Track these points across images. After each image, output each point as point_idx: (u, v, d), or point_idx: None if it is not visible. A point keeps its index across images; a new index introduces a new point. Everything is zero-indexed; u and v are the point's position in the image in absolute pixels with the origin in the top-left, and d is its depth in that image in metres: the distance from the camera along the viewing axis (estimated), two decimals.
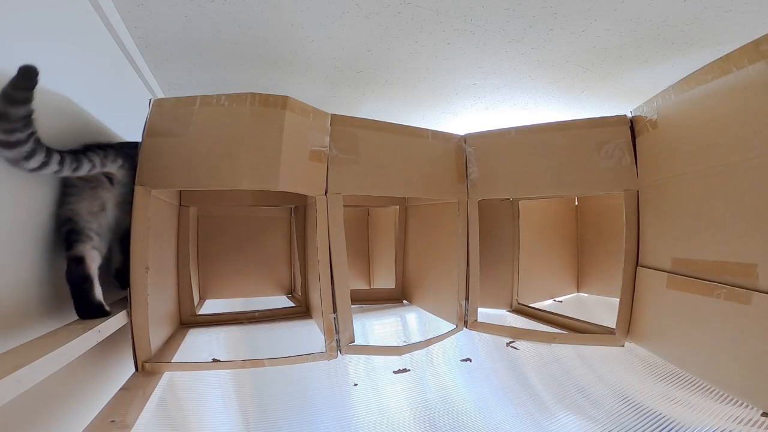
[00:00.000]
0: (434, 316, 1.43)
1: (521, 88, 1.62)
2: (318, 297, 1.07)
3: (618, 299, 1.02)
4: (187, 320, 1.27)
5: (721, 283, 0.73)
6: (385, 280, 1.81)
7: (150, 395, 0.86)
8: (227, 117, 0.86)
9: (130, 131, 1.12)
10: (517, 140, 1.15)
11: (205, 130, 0.85)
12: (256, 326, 1.40)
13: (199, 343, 1.21)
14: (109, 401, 0.77)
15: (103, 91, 1.00)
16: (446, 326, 1.28)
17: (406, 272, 1.64)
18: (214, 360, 1.06)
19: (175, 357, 1.00)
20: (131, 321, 0.86)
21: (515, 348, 1.18)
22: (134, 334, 0.87)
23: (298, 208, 1.41)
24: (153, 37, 1.14)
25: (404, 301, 1.68)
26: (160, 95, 1.53)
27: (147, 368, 0.90)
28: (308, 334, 1.42)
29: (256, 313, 1.41)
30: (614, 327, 1.02)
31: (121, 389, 0.82)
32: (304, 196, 1.36)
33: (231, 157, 0.84)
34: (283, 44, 1.24)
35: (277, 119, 0.87)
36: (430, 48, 1.27)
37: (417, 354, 1.18)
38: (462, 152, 1.20)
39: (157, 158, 0.84)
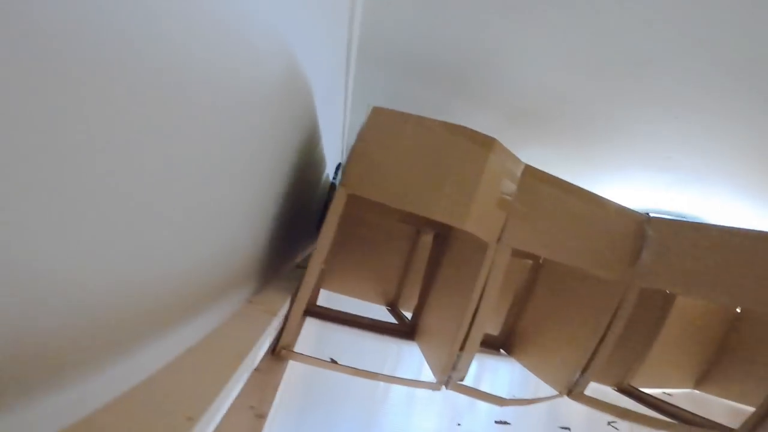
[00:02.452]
0: (533, 374, 1.38)
1: (726, 176, 1.41)
2: (439, 327, 1.07)
3: (743, 405, 0.96)
4: (308, 307, 1.32)
5: None
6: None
7: (279, 382, 0.90)
8: (436, 144, 0.86)
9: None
10: (718, 240, 1.02)
11: (413, 151, 0.86)
12: (362, 333, 1.42)
13: (315, 336, 1.26)
14: (245, 383, 0.80)
15: (320, 70, 1.01)
16: (545, 388, 1.25)
17: (515, 325, 1.56)
18: (332, 360, 1.09)
19: (296, 346, 1.05)
20: (291, 307, 0.91)
21: (616, 429, 1.09)
22: (288, 319, 0.91)
23: (439, 235, 1.40)
24: (374, 37, 1.16)
25: (501, 351, 1.62)
26: (348, 91, 1.57)
27: (282, 354, 0.93)
28: (406, 356, 1.43)
29: (365, 320, 1.43)
30: (735, 428, 0.92)
31: (255, 370, 0.85)
32: (450, 226, 1.35)
33: (432, 186, 0.84)
34: (476, 71, 1.22)
35: (481, 159, 0.86)
36: (648, 113, 1.15)
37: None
38: (642, 234, 1.10)
39: (362, 164, 0.87)
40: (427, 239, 1.58)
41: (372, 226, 1.58)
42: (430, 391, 1.13)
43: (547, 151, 1.53)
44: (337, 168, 1.58)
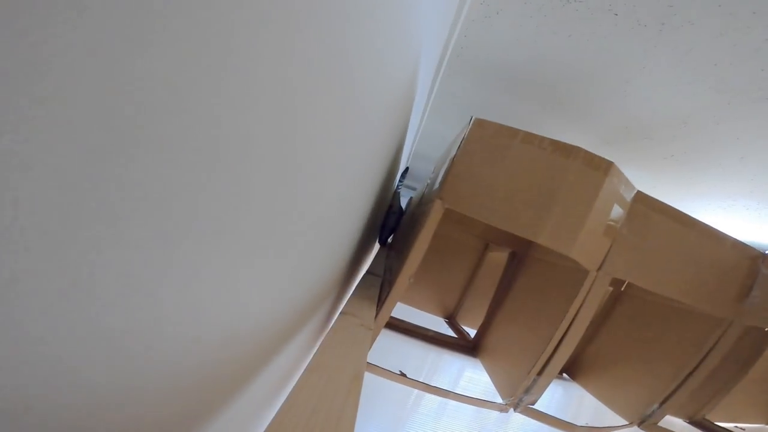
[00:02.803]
0: (601, 402, 1.30)
1: None
2: (513, 348, 1.03)
3: None
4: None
5: None
6: None
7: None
8: (547, 164, 0.81)
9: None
10: None
11: (520, 170, 0.81)
12: (425, 345, 1.39)
13: (381, 344, 1.24)
14: None
15: (421, 77, 0.97)
16: (586, 413, 1.29)
17: (584, 350, 1.48)
18: (401, 374, 1.07)
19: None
20: (376, 318, 0.89)
21: None
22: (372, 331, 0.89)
23: (516, 254, 1.34)
24: (469, 47, 1.12)
25: (564, 375, 1.55)
26: (431, 98, 1.53)
27: None
28: (446, 366, 1.37)
29: (430, 332, 1.40)
30: None
31: None
32: (528, 243, 1.29)
33: (539, 208, 0.79)
34: (586, 91, 1.13)
35: (596, 184, 0.79)
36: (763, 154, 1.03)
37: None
38: (756, 271, 1.00)
39: (463, 179, 0.83)
40: (495, 255, 1.52)
41: (439, 237, 1.54)
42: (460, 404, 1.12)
43: (642, 173, 1.42)
44: (404, 173, 1.55)
